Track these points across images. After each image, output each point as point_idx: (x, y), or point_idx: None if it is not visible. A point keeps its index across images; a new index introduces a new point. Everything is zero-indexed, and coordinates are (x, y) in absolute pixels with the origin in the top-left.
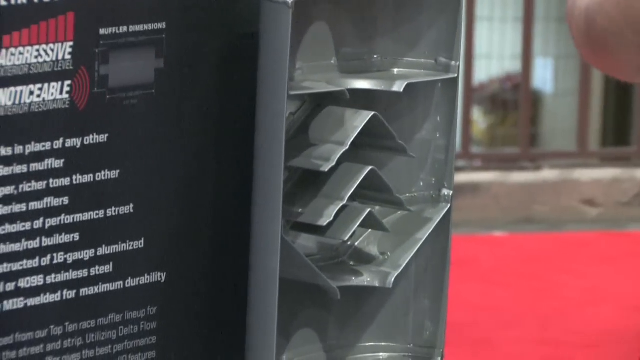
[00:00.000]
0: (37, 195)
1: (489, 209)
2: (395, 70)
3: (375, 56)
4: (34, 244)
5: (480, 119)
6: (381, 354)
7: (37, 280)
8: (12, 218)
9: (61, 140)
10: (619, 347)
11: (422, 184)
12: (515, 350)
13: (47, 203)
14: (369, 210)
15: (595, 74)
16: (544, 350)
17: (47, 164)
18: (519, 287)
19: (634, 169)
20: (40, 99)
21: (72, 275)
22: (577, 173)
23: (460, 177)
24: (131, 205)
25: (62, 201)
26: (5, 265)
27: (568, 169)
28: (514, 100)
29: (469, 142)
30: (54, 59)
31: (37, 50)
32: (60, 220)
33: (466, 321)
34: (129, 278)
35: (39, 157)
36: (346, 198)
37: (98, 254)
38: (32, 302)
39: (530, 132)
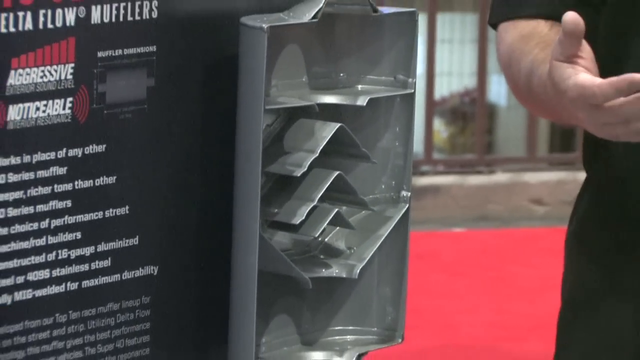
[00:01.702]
0: (43, 199)
1: (449, 208)
2: (359, 86)
3: (341, 74)
4: (40, 241)
5: (442, 129)
6: (348, 336)
7: (43, 274)
8: (21, 219)
9: (64, 150)
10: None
11: (383, 186)
12: (473, 333)
13: (52, 206)
14: (336, 210)
15: None
16: (498, 333)
17: (52, 171)
18: (476, 277)
19: (577, 172)
20: (45, 114)
21: (75, 269)
22: (527, 176)
23: (424, 180)
24: (127, 207)
25: (66, 204)
26: (15, 260)
27: (519, 173)
28: (471, 112)
29: (432, 149)
30: (57, 78)
31: (42, 71)
32: (64, 221)
33: (429, 307)
34: (126, 271)
35: (44, 165)
36: (316, 199)
37: (98, 250)
38: (40, 293)
39: (486, 140)
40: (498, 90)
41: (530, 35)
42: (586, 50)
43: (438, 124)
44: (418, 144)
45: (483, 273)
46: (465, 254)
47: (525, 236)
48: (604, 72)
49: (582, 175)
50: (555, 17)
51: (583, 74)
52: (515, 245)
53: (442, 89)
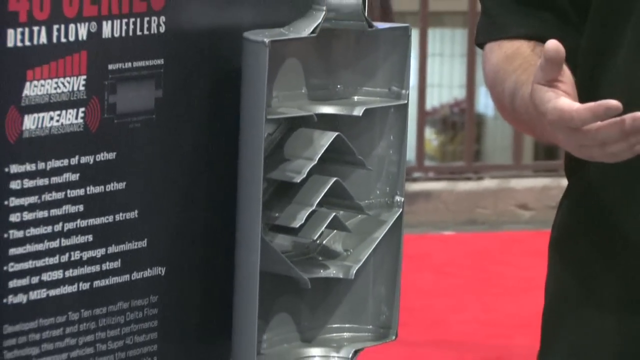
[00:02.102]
0: (57, 204)
1: (440, 212)
2: (355, 97)
3: (338, 86)
4: (54, 244)
5: (433, 138)
6: (345, 334)
7: (57, 274)
8: (36, 223)
9: (77, 157)
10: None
11: (378, 192)
12: (462, 329)
13: (65, 210)
14: (334, 214)
15: None
16: (487, 330)
17: (65, 178)
18: (465, 277)
19: (561, 179)
20: (59, 124)
21: (87, 270)
22: (513, 182)
23: (416, 186)
24: (136, 212)
25: (78, 208)
26: (30, 262)
27: (505, 179)
28: (461, 122)
29: (423, 157)
30: (70, 90)
31: (56, 83)
32: (76, 224)
33: (421, 306)
34: (134, 272)
35: (58, 171)
36: (315, 204)
37: (108, 252)
38: (53, 292)
39: (474, 149)
40: (486, 101)
41: (514, 56)
42: (566, 75)
43: (429, 133)
44: (410, 152)
45: (472, 273)
46: (455, 255)
47: (511, 239)
48: (582, 90)
49: (565, 182)
50: (537, 38)
51: (563, 98)
52: (502, 247)
53: (433, 100)
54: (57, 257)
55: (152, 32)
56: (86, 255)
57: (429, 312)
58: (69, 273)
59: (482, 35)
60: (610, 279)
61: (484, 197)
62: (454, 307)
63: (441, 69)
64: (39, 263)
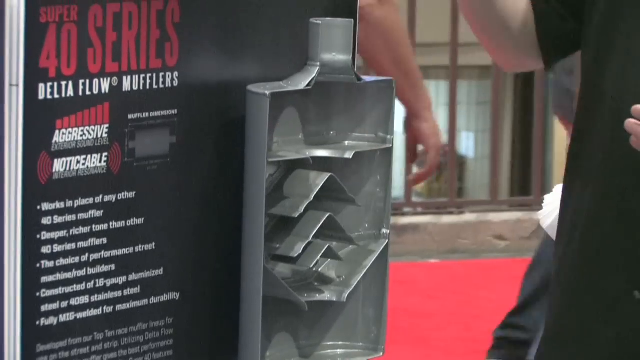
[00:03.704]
0: (83, 237)
1: (426, 242)
2: (346, 142)
3: (331, 132)
4: (81, 272)
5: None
6: (338, 350)
7: (84, 299)
8: (65, 254)
9: (100, 196)
10: None
11: (367, 225)
12: (445, 347)
13: (90, 242)
14: (328, 245)
15: (505, 142)
16: (467, 346)
17: (90, 214)
18: (448, 300)
19: (533, 212)
20: (85, 166)
21: (110, 295)
22: (491, 216)
23: (405, 220)
24: (153, 244)
25: (102, 241)
26: (60, 288)
27: (484, 213)
28: (445, 163)
29: (411, 194)
30: (95, 137)
31: (82, 131)
32: (101, 255)
33: (408, 325)
34: (152, 297)
35: (84, 209)
36: (311, 236)
37: (129, 279)
38: (80, 315)
39: (457, 186)
40: (467, 144)
41: None
42: None
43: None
44: (400, 190)
45: (454, 297)
46: (439, 281)
47: (489, 266)
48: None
49: (537, 215)
50: None
51: None
52: (481, 273)
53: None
54: (83, 284)
55: (166, 85)
56: (109, 282)
57: (415, 331)
58: (94, 298)
59: None
60: (602, 316)
61: (465, 229)
62: (437, 327)
63: None
64: (68, 289)
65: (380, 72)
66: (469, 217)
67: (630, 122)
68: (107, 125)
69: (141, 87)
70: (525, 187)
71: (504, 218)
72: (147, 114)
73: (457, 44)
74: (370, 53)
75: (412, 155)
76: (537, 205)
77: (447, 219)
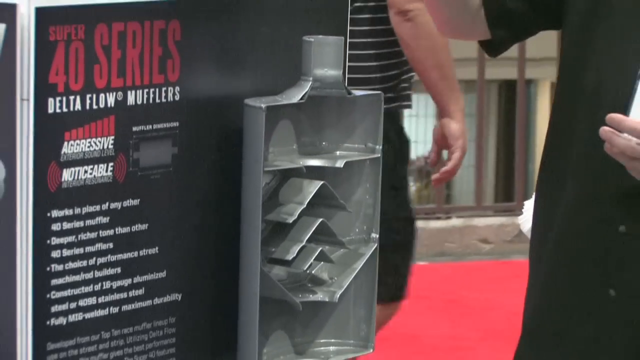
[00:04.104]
0: (90, 242)
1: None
2: (337, 152)
3: (323, 143)
4: (88, 275)
5: (410, 185)
6: (331, 347)
7: (91, 301)
8: (73, 258)
9: (107, 204)
10: (506, 340)
11: (357, 230)
12: (433, 343)
13: (97, 247)
14: (320, 248)
15: (489, 152)
16: (453, 343)
17: (97, 220)
18: (436, 300)
19: (515, 217)
20: (92, 176)
21: (116, 296)
22: (476, 220)
23: None
24: (156, 248)
25: (108, 246)
26: (69, 290)
27: (469, 218)
28: (433, 172)
29: None
30: (101, 148)
31: (89, 142)
32: (107, 259)
33: (398, 323)
34: (156, 298)
35: (91, 216)
36: (305, 240)
37: (134, 281)
38: (88, 315)
39: (444, 193)
40: None
41: None
42: None
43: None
44: None
45: (441, 296)
46: (428, 281)
47: (474, 268)
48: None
49: (517, 220)
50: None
51: None
52: (467, 275)
53: (411, 154)
54: (91, 286)
55: (168, 99)
56: (115, 284)
57: (405, 328)
58: (101, 299)
59: None
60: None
61: (452, 233)
62: (426, 324)
63: (417, 128)
64: (76, 291)
65: (421, 73)
66: (455, 222)
67: (604, 130)
68: (112, 137)
69: (145, 101)
70: (508, 194)
71: (488, 223)
72: (150, 127)
73: None
74: (416, 53)
75: (435, 156)
76: (520, 210)
77: (435, 224)
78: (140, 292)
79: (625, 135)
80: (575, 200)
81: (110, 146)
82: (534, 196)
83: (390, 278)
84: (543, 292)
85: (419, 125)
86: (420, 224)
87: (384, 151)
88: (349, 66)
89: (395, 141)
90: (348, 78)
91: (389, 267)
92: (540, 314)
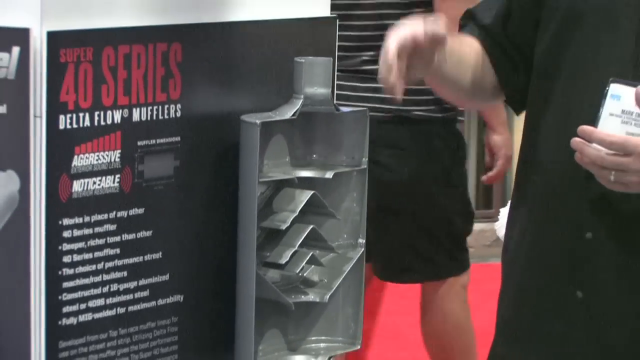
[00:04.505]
0: (99, 248)
1: None
2: (327, 164)
3: (314, 155)
4: (97, 278)
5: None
6: (322, 344)
7: (100, 302)
8: (83, 262)
9: (114, 212)
10: (485, 336)
11: (345, 235)
12: (418, 340)
13: (105, 252)
14: (311, 253)
15: (470, 164)
16: None
17: (105, 228)
18: (419, 299)
19: (494, 223)
20: (100, 187)
21: (123, 298)
22: None
23: None
24: (160, 253)
25: (115, 251)
26: (79, 292)
27: None
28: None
29: None
30: (109, 161)
31: (97, 156)
32: (114, 264)
33: (385, 322)
34: (159, 299)
35: (100, 223)
36: (297, 245)
37: (139, 284)
38: (97, 315)
39: None
40: None
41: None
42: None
43: None
44: None
45: None
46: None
47: None
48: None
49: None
50: (490, 54)
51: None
52: None
53: None
54: (99, 289)
55: (170, 116)
56: (122, 287)
57: (392, 327)
58: (109, 301)
59: (465, 27)
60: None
61: None
62: (411, 323)
63: None
64: (86, 293)
65: None
66: None
67: (576, 141)
68: (119, 151)
69: (149, 118)
70: (487, 202)
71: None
72: (154, 141)
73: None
74: None
75: (489, 160)
76: (497, 217)
77: None
78: (145, 293)
79: (595, 145)
80: (546, 208)
81: (117, 159)
82: (509, 203)
83: (461, 254)
84: (516, 294)
85: None
86: None
87: (444, 153)
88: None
89: (453, 144)
90: (410, 90)
91: (460, 245)
92: (514, 314)
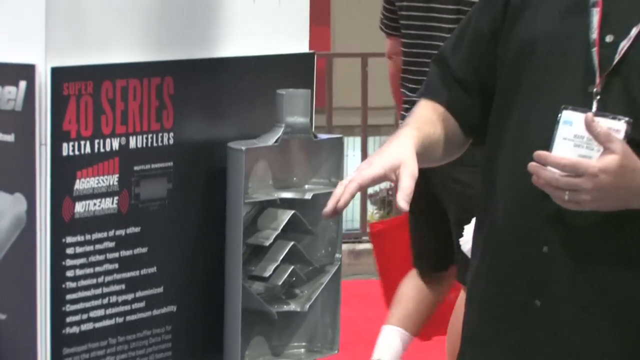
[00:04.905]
0: (99, 263)
1: None
2: (306, 186)
3: (294, 178)
4: (98, 291)
5: (374, 212)
6: (303, 349)
7: (100, 312)
8: (85, 276)
9: (113, 231)
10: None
11: (323, 251)
12: None
13: (105, 267)
14: (292, 267)
15: None
16: (412, 345)
17: (105, 245)
18: None
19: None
20: (100, 208)
21: (121, 309)
22: None
23: (361, 246)
24: (155, 268)
25: (114, 266)
26: (81, 304)
27: None
28: (394, 202)
29: (366, 226)
30: (108, 184)
31: (97, 180)
32: (113, 277)
33: (363, 330)
34: (155, 309)
35: (99, 241)
36: (279, 260)
37: (136, 296)
38: (98, 325)
39: None
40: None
41: (427, 112)
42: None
43: (372, 210)
44: (357, 223)
45: None
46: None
47: None
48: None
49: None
50: (450, 110)
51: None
52: None
53: (375, 186)
54: (100, 300)
55: (164, 143)
56: (120, 298)
57: (370, 334)
58: (109, 311)
59: (423, 93)
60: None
61: None
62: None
63: None
64: (87, 305)
65: None
66: None
67: (532, 165)
68: (117, 175)
69: (144, 145)
70: None
71: None
72: (149, 166)
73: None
74: None
75: None
76: None
77: None
78: (142, 305)
79: (550, 168)
80: (505, 226)
81: (115, 183)
82: (472, 221)
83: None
84: (481, 304)
85: None
86: None
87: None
88: None
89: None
90: None
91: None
92: (479, 322)
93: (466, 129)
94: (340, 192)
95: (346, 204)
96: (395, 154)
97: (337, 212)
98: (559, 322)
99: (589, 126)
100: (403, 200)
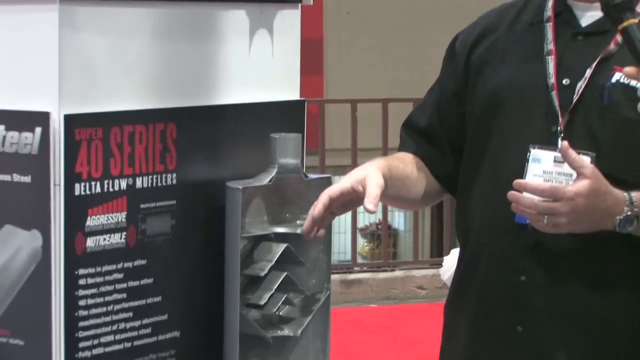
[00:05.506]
0: (109, 293)
1: (367, 292)
2: (298, 221)
3: (287, 214)
4: (107, 318)
5: (365, 244)
6: None
7: (110, 338)
8: (96, 305)
9: (121, 263)
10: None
11: (314, 281)
12: None
13: (114, 297)
14: (286, 295)
15: (426, 219)
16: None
17: (114, 277)
18: (384, 334)
19: None
20: (109, 242)
21: (129, 335)
22: (414, 272)
23: (352, 276)
24: (160, 297)
25: (123, 296)
26: (92, 330)
27: (409, 270)
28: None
29: (356, 257)
30: (116, 221)
31: (107, 217)
32: (122, 306)
33: (355, 352)
34: (160, 335)
35: (109, 273)
36: (274, 289)
37: (143, 323)
38: (108, 349)
39: (390, 251)
40: (398, 220)
41: (401, 161)
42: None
43: (362, 242)
44: (349, 254)
45: (388, 332)
46: (377, 320)
47: (414, 309)
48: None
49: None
50: (422, 158)
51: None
52: (408, 314)
53: (365, 220)
54: (109, 327)
55: (168, 183)
56: (128, 325)
57: (360, 357)
58: (118, 337)
59: (398, 150)
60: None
61: (396, 282)
62: (376, 354)
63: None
64: (98, 331)
65: None
66: (398, 273)
67: (511, 193)
68: (125, 213)
69: (149, 185)
70: (440, 251)
71: (424, 273)
72: (154, 204)
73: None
74: None
75: None
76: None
77: (383, 275)
78: (148, 331)
79: (528, 195)
80: (485, 259)
81: (124, 219)
82: (451, 252)
83: None
84: (467, 328)
85: None
86: (371, 275)
87: None
88: None
89: None
90: None
91: None
92: (466, 345)
93: (438, 177)
94: (312, 209)
95: (320, 214)
96: (361, 170)
97: (315, 223)
98: (541, 346)
99: (565, 153)
100: (370, 203)
